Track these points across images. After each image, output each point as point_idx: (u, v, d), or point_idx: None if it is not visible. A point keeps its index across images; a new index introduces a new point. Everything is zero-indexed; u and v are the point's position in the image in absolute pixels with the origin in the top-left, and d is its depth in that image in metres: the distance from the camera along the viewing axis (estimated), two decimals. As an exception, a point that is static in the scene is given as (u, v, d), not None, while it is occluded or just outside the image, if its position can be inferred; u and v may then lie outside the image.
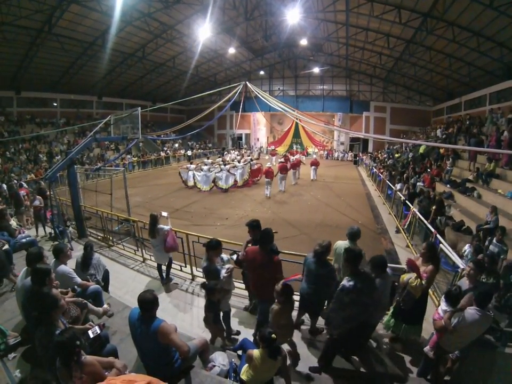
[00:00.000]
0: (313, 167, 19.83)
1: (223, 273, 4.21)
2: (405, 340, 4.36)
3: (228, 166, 17.05)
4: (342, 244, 4.59)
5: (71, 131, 26.01)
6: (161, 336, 2.82)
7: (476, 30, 15.74)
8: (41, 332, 2.81)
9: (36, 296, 3.14)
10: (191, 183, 17.46)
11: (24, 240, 7.07)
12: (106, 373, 2.64)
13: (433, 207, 9.77)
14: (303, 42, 24.80)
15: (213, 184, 16.61)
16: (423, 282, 3.88)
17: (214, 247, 4.27)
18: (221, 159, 20.59)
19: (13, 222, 7.90)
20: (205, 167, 17.07)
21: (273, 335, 2.98)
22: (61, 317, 3.06)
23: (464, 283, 4.13)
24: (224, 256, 4.54)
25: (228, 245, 5.54)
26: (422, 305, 4.15)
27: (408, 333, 4.21)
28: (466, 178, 12.37)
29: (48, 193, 9.53)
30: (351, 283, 3.39)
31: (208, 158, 20.96)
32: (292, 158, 21.08)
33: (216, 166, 17.40)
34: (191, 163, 19.15)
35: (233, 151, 27.49)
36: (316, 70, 31.37)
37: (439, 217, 9.58)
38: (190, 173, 17.44)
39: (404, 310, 4.10)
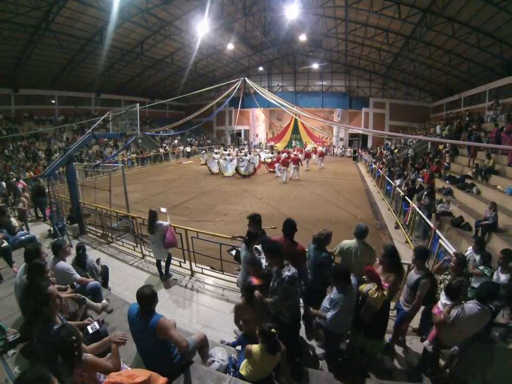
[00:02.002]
0: (320, 157, 23.98)
1: (264, 262, 4.30)
2: (368, 353, 4.00)
3: (248, 157, 20.76)
4: (349, 242, 4.50)
5: (70, 128, 25.94)
6: (160, 332, 2.82)
7: (476, 26, 15.68)
8: (38, 328, 2.81)
9: (29, 290, 3.14)
10: (215, 170, 20.98)
11: (23, 237, 7.08)
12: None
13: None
14: (302, 38, 24.62)
15: (235, 171, 19.95)
16: (385, 293, 3.64)
17: (255, 238, 4.39)
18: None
19: (13, 220, 7.90)
20: (228, 157, 20.85)
21: (272, 330, 2.99)
22: (58, 313, 3.05)
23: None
24: (259, 246, 4.58)
25: (227, 241, 5.57)
26: (383, 318, 3.89)
27: (370, 347, 3.94)
28: (465, 174, 12.38)
29: (47, 190, 9.52)
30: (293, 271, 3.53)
31: (225, 150, 25.10)
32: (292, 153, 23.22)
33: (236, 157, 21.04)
34: (216, 153, 22.96)
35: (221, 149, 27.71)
36: (315, 66, 31.23)
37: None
38: (215, 161, 21.03)
39: (364, 323, 3.80)
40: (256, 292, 3.63)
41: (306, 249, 4.41)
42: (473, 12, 14.56)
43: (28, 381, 1.92)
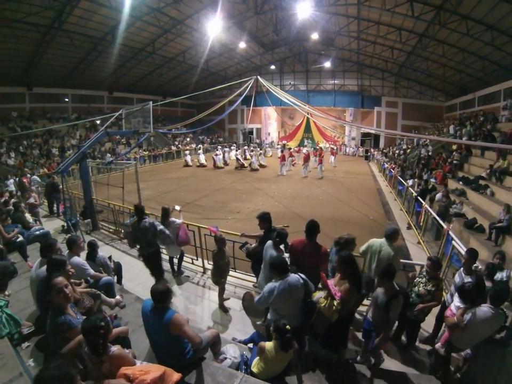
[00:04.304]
0: (332, 156, 24.96)
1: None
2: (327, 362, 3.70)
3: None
4: (377, 241, 4.53)
5: (82, 126, 26.29)
6: (174, 328, 2.83)
7: (490, 24, 15.36)
8: (49, 319, 2.88)
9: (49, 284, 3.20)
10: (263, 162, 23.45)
11: (37, 232, 7.18)
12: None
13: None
14: (314, 36, 24.42)
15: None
16: (335, 303, 3.25)
17: (285, 238, 4.38)
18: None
19: (28, 215, 8.03)
20: (252, 153, 23.43)
21: (287, 327, 2.99)
22: (73, 306, 3.09)
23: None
24: (282, 246, 4.57)
25: (239, 238, 5.58)
26: (341, 331, 3.60)
27: (322, 356, 3.70)
28: (479, 176, 12.16)
29: (60, 187, 9.66)
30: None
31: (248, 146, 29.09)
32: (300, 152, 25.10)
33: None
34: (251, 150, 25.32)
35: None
36: (327, 64, 30.97)
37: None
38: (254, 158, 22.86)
39: (318, 334, 3.55)
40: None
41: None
42: (488, 9, 14.27)
43: (52, 377, 1.85)
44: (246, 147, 29.29)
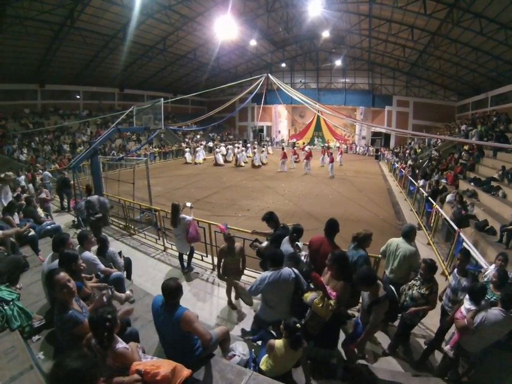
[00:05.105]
0: (339, 155, 24.37)
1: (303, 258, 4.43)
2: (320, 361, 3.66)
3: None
4: (395, 240, 4.55)
5: (93, 122, 26.55)
6: (185, 324, 2.84)
7: (504, 22, 15.10)
8: (55, 316, 2.89)
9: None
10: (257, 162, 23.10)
11: (49, 227, 7.26)
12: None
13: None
14: (325, 34, 24.26)
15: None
16: (332, 302, 3.28)
17: (301, 234, 4.44)
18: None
19: (40, 210, 8.14)
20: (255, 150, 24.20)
21: (297, 325, 2.99)
22: (78, 300, 3.08)
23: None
24: (300, 243, 4.63)
25: (249, 236, 5.58)
26: (334, 329, 3.64)
27: (321, 355, 3.63)
28: (491, 177, 11.95)
29: (72, 182, 9.77)
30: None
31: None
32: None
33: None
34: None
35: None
36: (338, 62, 30.85)
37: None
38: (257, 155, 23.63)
39: (312, 334, 3.48)
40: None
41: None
42: (501, 8, 14.05)
43: (77, 366, 1.78)
44: (249, 145, 29.70)
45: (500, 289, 3.78)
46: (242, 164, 23.17)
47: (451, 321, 3.80)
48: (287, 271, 3.58)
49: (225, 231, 5.11)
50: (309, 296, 3.50)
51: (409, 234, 4.44)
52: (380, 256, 4.95)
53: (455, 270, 4.29)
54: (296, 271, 3.67)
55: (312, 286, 3.64)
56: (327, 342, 3.60)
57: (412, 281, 4.10)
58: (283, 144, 34.68)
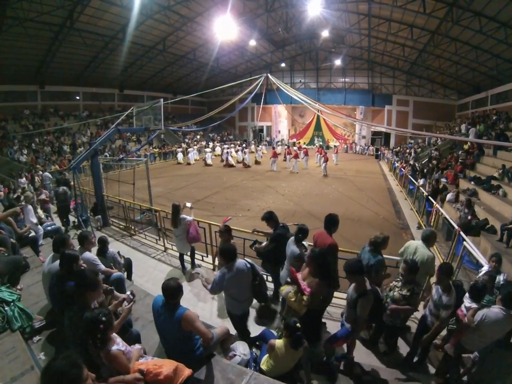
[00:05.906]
0: (334, 154, 24.92)
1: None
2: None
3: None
4: (413, 243, 4.50)
5: (94, 123, 26.57)
6: (186, 324, 2.84)
7: (504, 21, 15.05)
8: (72, 312, 2.86)
9: (72, 276, 3.24)
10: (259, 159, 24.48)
11: (49, 228, 7.29)
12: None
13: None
14: (325, 34, 24.19)
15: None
16: (304, 298, 3.31)
17: (307, 234, 4.44)
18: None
19: (40, 211, 8.14)
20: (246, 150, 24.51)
21: (297, 324, 2.99)
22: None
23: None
24: (305, 243, 4.64)
25: (248, 235, 5.58)
26: (312, 325, 3.57)
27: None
28: (491, 176, 11.95)
29: (72, 183, 9.77)
30: None
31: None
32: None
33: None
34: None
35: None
36: (338, 62, 30.75)
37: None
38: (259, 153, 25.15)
39: None
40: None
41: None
42: (501, 6, 13.98)
43: (60, 367, 1.83)
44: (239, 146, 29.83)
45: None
46: (233, 163, 23.42)
47: (432, 336, 3.72)
48: (242, 262, 3.73)
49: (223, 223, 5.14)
50: (285, 289, 3.68)
51: (429, 239, 4.33)
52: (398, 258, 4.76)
53: (438, 286, 3.77)
54: (249, 260, 3.88)
55: (289, 280, 3.77)
56: (306, 337, 3.45)
57: (393, 282, 3.98)
58: (278, 143, 35.04)
